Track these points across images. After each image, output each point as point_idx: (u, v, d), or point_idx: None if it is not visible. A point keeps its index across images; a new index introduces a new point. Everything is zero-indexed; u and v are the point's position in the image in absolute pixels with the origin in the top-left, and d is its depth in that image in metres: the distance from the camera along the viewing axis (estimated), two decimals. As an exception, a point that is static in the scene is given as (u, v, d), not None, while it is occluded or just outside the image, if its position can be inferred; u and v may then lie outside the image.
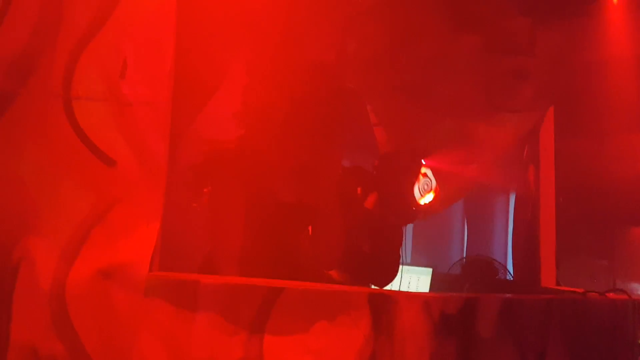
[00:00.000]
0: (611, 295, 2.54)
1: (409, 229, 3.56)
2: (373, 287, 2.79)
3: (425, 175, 3.38)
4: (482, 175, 4.13)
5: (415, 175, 3.22)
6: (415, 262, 4.28)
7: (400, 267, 3.11)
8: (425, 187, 3.39)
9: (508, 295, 1.99)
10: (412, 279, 4.29)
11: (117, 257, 1.66)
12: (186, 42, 1.87)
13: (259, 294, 1.63)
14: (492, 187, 5.00)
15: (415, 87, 3.43)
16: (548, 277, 3.79)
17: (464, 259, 4.79)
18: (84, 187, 1.69)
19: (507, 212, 5.22)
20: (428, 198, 3.45)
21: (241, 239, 2.34)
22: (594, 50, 3.90)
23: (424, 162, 3.33)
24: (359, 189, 2.76)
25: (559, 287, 3.53)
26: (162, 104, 1.76)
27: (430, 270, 4.33)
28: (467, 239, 5.40)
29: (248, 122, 2.43)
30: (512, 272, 4.43)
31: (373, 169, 3.12)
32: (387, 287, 2.90)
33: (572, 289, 3.36)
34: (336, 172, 2.70)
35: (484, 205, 5.29)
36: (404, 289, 3.94)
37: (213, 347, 1.60)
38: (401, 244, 3.08)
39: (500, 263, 4.61)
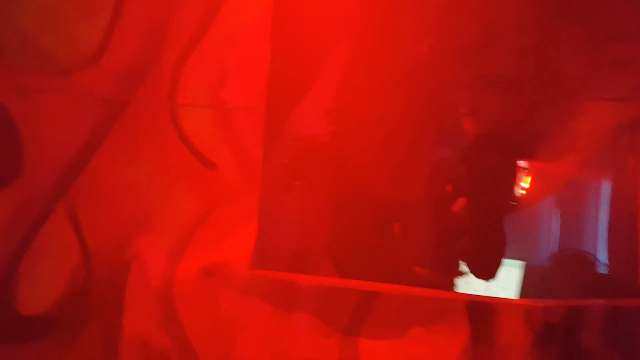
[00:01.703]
0: None
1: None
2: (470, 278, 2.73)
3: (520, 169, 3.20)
4: (577, 166, 3.93)
5: (511, 175, 3.04)
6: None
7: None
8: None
9: (614, 302, 1.89)
10: (502, 272, 4.18)
11: (220, 257, 1.74)
12: (281, 44, 1.91)
13: (354, 297, 1.66)
14: (587, 179, 4.76)
15: (509, 78, 3.30)
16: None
17: (557, 253, 4.60)
18: (189, 190, 1.78)
19: (602, 204, 4.96)
20: (523, 186, 3.28)
21: (331, 233, 2.37)
22: None
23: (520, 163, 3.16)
24: (448, 187, 2.69)
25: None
26: (258, 109, 1.81)
27: (521, 263, 4.21)
28: (560, 232, 5.19)
29: (340, 118, 2.44)
30: (607, 266, 4.22)
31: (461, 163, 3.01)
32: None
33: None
34: (426, 168, 2.67)
35: (577, 197, 5.05)
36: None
37: (310, 347, 1.65)
38: (504, 240, 2.95)
39: (595, 257, 4.39)
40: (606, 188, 4.89)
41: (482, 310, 1.61)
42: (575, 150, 3.68)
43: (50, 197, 1.77)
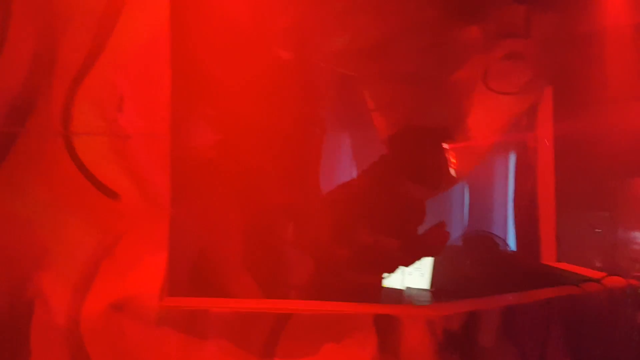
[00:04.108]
0: (608, 280, 2.59)
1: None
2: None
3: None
4: (482, 153, 4.15)
5: (441, 153, 3.09)
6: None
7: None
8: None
9: (508, 298, 2.04)
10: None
11: (128, 290, 1.71)
12: (181, 67, 1.87)
13: (267, 320, 1.69)
14: (491, 164, 5.04)
15: (411, 74, 3.41)
16: (548, 253, 3.85)
17: (465, 234, 4.85)
18: (89, 221, 1.72)
19: (507, 187, 5.26)
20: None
21: (242, 245, 2.36)
22: (590, 22, 3.88)
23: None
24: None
25: (559, 265, 3.60)
26: (160, 134, 1.77)
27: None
28: (469, 214, 5.45)
29: (224, 126, 2.41)
30: (512, 246, 4.50)
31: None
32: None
33: (571, 267, 3.42)
34: (318, 168, 2.68)
35: (483, 180, 5.33)
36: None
37: (226, 373, 1.66)
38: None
39: (500, 237, 4.67)
40: (510, 171, 5.16)
41: (387, 322, 1.69)
42: (478, 137, 3.88)
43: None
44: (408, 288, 4.05)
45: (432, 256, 3.49)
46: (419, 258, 2.82)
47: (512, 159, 4.95)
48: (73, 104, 1.71)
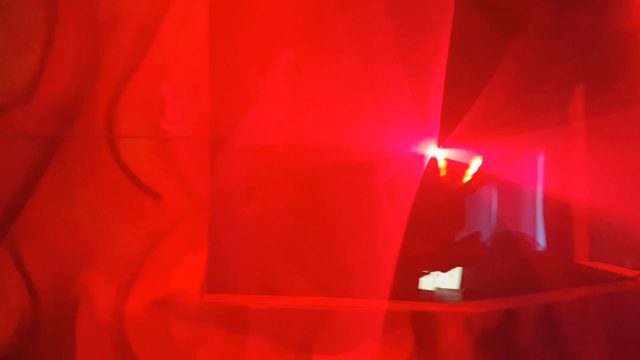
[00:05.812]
0: (642, 278, 2.56)
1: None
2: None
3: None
4: (511, 152, 4.12)
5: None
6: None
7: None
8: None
9: (546, 296, 2.04)
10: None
11: (170, 287, 1.76)
12: (220, 72, 1.92)
13: (305, 316, 1.72)
14: (521, 163, 5.00)
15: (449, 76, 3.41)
16: (581, 253, 3.81)
17: (494, 235, 4.81)
18: (133, 221, 1.78)
19: (537, 186, 5.22)
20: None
21: (295, 236, 2.37)
22: (621, 20, 3.83)
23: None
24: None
25: (592, 264, 3.56)
26: (201, 137, 1.82)
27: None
28: (497, 214, 5.41)
29: (294, 126, 2.46)
30: (543, 246, 4.45)
31: None
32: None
33: (604, 267, 3.39)
34: (383, 164, 2.70)
35: (514, 179, 5.29)
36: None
37: (265, 368, 1.70)
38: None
39: (530, 237, 4.62)
40: (540, 169, 5.12)
41: (425, 320, 1.71)
42: (508, 136, 3.86)
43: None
44: (438, 289, 4.05)
45: (466, 266, 3.51)
46: (453, 266, 2.82)
47: (542, 158, 4.91)
48: (117, 109, 1.77)
